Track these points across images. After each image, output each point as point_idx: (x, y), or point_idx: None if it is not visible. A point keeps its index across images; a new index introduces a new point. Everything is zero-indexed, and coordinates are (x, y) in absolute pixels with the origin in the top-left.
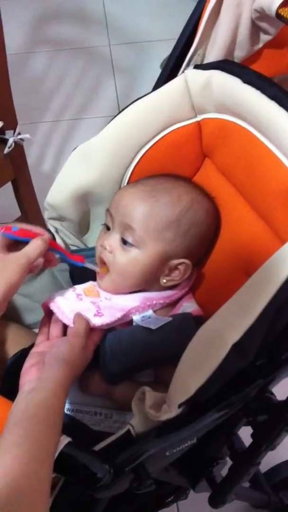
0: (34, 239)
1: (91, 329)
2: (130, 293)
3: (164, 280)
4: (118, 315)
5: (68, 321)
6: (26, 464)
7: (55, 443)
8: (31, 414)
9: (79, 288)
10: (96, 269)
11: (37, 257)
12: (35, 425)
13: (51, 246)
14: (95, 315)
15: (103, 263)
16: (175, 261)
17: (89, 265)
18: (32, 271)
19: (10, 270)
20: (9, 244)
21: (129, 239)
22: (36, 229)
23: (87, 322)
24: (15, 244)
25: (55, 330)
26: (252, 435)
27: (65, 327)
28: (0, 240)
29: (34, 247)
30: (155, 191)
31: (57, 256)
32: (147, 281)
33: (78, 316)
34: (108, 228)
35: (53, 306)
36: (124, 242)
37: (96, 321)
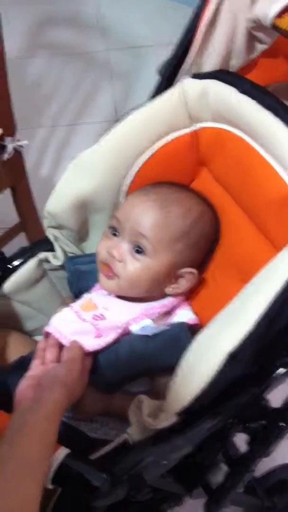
0: None
1: (85, 354)
2: (130, 300)
3: (170, 289)
4: (118, 331)
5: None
6: (15, 485)
7: (47, 464)
8: (24, 435)
9: (76, 305)
10: None
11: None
12: (28, 446)
13: None
14: (95, 337)
15: (108, 268)
16: (182, 270)
17: None
18: None
19: None
20: None
21: (143, 247)
22: None
23: (81, 347)
24: None
25: (50, 355)
26: (248, 443)
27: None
28: None
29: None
30: (167, 201)
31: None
32: (153, 290)
33: (73, 343)
34: (114, 234)
35: (54, 332)
36: (136, 250)
37: (95, 343)
